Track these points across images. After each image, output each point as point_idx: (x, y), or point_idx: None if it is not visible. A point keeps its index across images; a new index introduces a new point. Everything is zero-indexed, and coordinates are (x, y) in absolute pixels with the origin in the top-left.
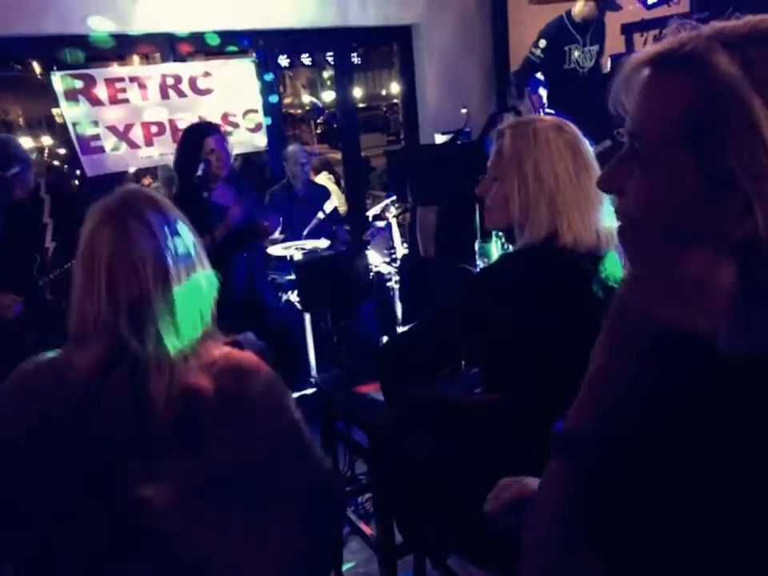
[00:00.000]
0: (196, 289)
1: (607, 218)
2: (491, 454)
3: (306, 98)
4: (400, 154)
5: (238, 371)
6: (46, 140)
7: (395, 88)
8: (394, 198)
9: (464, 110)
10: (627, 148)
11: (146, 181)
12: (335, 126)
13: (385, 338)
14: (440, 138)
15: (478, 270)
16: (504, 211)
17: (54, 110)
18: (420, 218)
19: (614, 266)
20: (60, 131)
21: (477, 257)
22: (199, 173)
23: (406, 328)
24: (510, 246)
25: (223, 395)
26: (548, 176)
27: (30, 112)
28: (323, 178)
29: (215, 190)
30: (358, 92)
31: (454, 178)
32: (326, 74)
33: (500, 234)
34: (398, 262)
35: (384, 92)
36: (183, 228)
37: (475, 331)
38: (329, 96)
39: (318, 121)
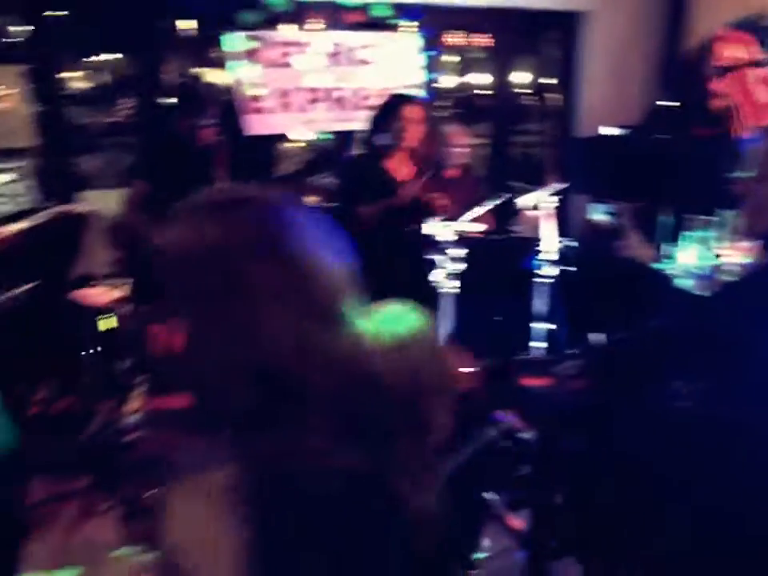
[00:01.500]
0: None
1: None
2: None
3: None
4: (579, 143)
5: None
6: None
7: (516, 77)
8: (558, 187)
9: None
10: None
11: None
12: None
13: (592, 336)
14: (606, 132)
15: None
16: None
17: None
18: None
19: None
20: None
21: (659, 259)
22: (383, 141)
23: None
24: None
25: None
26: None
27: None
28: None
29: (392, 160)
30: (484, 78)
31: (643, 175)
32: (456, 57)
33: (685, 236)
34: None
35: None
36: None
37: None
38: (461, 79)
39: (446, 104)
